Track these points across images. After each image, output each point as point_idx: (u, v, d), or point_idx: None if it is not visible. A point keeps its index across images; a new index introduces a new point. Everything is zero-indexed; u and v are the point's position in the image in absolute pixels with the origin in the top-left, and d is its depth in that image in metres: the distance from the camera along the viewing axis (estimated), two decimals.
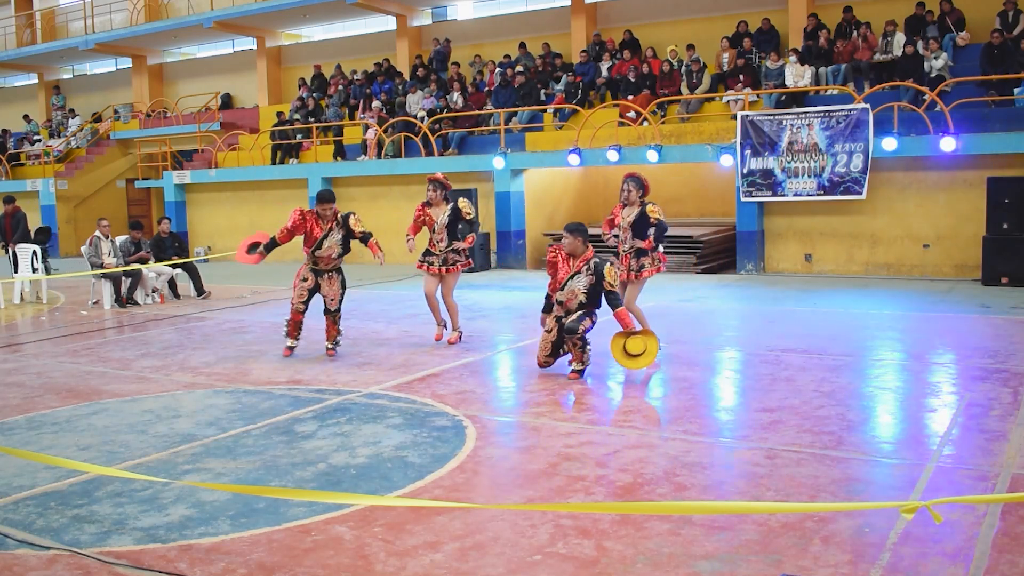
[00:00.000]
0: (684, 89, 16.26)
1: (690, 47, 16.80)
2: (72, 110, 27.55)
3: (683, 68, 16.47)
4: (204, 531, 4.09)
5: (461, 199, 8.56)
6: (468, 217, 8.53)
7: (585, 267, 7.05)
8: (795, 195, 13.81)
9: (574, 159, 15.33)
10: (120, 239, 13.13)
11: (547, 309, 7.32)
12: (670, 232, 15.03)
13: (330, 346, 8.33)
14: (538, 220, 16.97)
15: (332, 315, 8.25)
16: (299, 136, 20.15)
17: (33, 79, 29.98)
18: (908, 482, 4.57)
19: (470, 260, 8.79)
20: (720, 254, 15.45)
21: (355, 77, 21.34)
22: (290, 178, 19.58)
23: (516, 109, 17.41)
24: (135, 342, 9.56)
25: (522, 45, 19.77)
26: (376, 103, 19.50)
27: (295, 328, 8.29)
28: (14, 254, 13.85)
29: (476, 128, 18.00)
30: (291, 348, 8.33)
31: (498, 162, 16.19)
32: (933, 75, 13.88)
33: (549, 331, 7.26)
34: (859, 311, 10.28)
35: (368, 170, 18.37)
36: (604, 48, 18.43)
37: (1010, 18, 14.59)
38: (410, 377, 7.28)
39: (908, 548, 3.70)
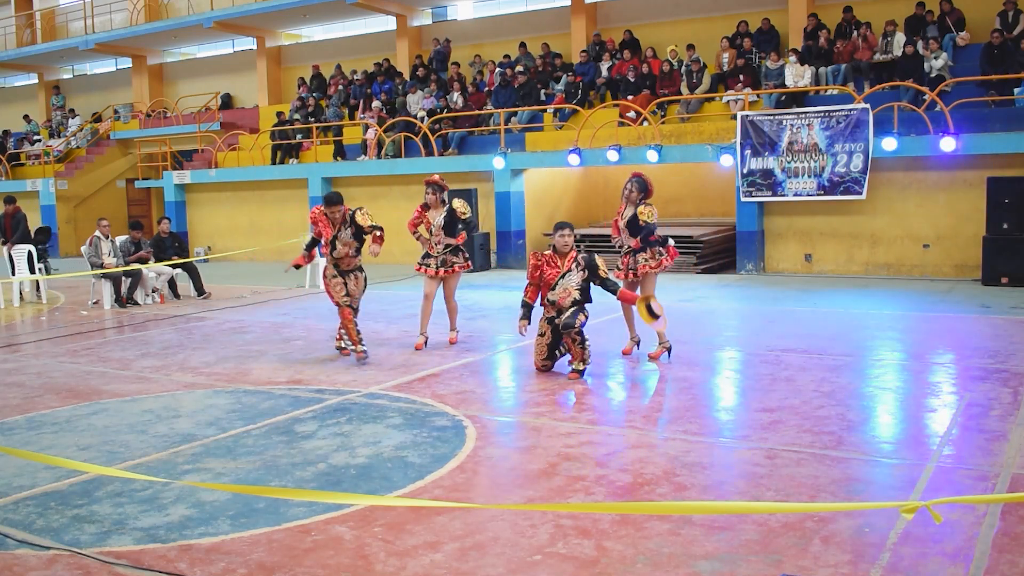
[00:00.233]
0: (684, 89, 16.26)
1: (690, 47, 16.80)
2: (72, 110, 27.55)
3: (683, 68, 16.47)
4: (204, 531, 4.09)
5: (456, 199, 8.54)
6: (463, 217, 8.50)
7: (575, 264, 7.14)
8: (795, 195, 13.80)
9: (574, 159, 15.33)
10: (120, 239, 13.13)
11: (528, 313, 7.35)
12: (670, 232, 15.12)
13: (342, 346, 8.25)
14: (538, 220, 16.97)
15: (355, 310, 8.11)
16: (299, 136, 20.16)
17: (33, 79, 29.98)
18: (908, 482, 4.56)
19: (469, 262, 8.71)
20: (720, 254, 15.45)
21: (355, 77, 21.34)
22: (290, 178, 19.58)
23: (516, 109, 17.41)
24: (135, 342, 9.56)
25: (522, 45, 19.77)
26: (376, 103, 19.50)
27: (351, 332, 7.91)
28: (10, 255, 13.85)
29: (476, 128, 18.00)
30: (364, 351, 7.93)
31: (498, 162, 16.19)
32: (933, 75, 13.88)
33: (542, 335, 7.26)
34: (859, 311, 10.28)
35: (368, 170, 18.37)
36: (604, 48, 18.43)
37: (1010, 18, 14.59)
38: (410, 377, 7.28)
39: (908, 548, 3.70)
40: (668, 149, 14.89)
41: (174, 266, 13.24)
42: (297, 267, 8.38)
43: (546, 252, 7.32)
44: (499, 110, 17.20)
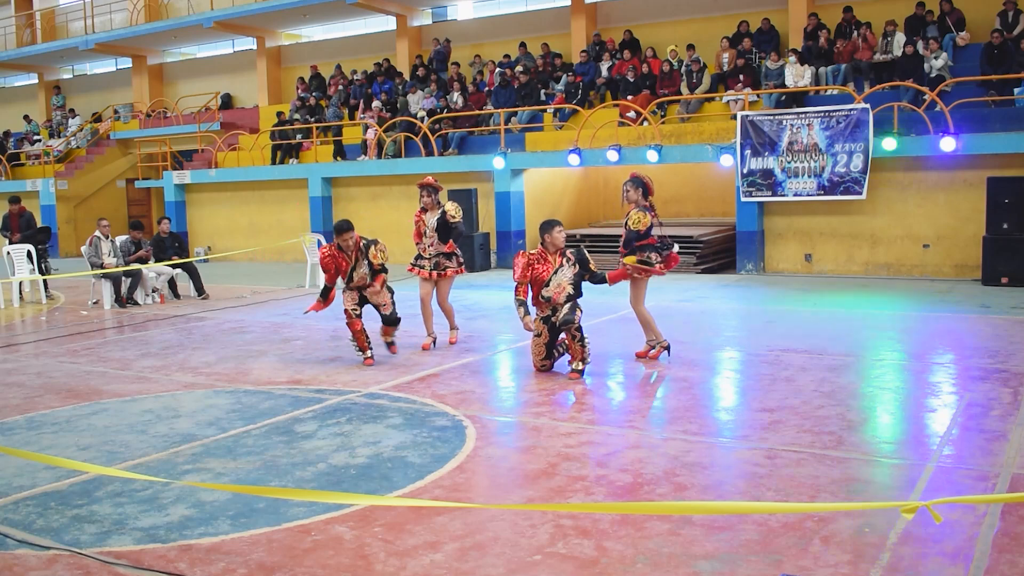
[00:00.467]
0: (684, 89, 16.26)
1: (690, 47, 16.81)
2: (72, 110, 27.55)
3: (683, 68, 16.48)
4: (204, 531, 4.09)
5: (450, 203, 8.42)
6: (452, 221, 8.34)
7: (565, 259, 7.17)
8: (795, 195, 13.80)
9: (574, 159, 15.33)
10: (120, 239, 13.13)
11: (528, 311, 7.31)
12: (670, 232, 15.09)
13: (391, 341, 8.16)
14: (538, 220, 16.84)
15: (389, 321, 7.97)
16: (299, 136, 20.16)
17: (33, 79, 29.98)
18: (908, 482, 4.56)
19: (462, 267, 8.59)
20: (720, 254, 15.45)
21: (355, 77, 21.35)
22: (290, 178, 19.59)
23: (516, 109, 17.41)
24: (135, 342, 9.56)
25: (522, 45, 19.77)
26: (376, 103, 19.51)
27: (361, 339, 7.87)
28: (9, 255, 13.86)
29: (476, 128, 18.00)
30: (371, 357, 7.89)
31: (498, 162, 16.19)
32: (933, 75, 13.89)
33: (539, 335, 7.26)
34: (859, 311, 10.28)
35: (368, 170, 18.38)
36: (604, 48, 18.43)
37: (1010, 18, 14.60)
38: (410, 377, 7.28)
39: (908, 548, 3.70)
40: (668, 149, 14.89)
41: (174, 266, 13.24)
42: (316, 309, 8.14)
43: (533, 251, 7.33)
44: (499, 110, 17.20)
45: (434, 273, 8.41)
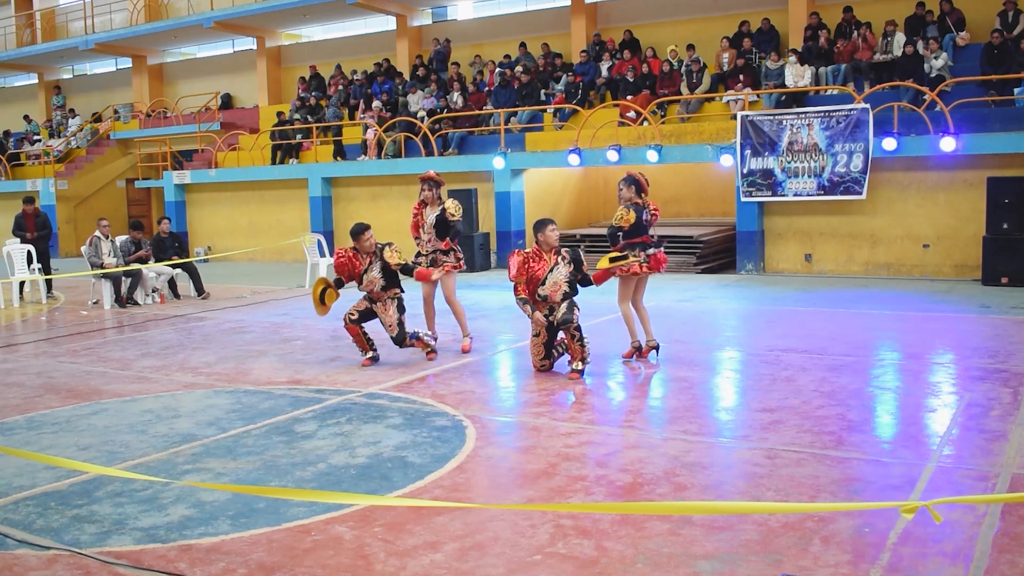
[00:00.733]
0: (684, 89, 16.26)
1: (690, 47, 16.81)
2: (72, 110, 27.55)
3: (683, 68, 16.48)
4: (204, 531, 4.09)
5: (450, 200, 8.31)
6: (451, 220, 8.24)
7: (561, 258, 7.19)
8: (795, 195, 13.81)
9: (574, 159, 15.33)
10: (120, 239, 13.14)
11: (534, 307, 7.29)
12: (670, 232, 15.17)
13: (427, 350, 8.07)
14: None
15: (397, 342, 7.80)
16: (299, 136, 20.16)
17: (33, 79, 29.98)
18: (908, 482, 4.56)
19: (462, 262, 8.44)
20: (720, 254, 15.45)
21: (355, 77, 21.35)
22: (290, 178, 19.59)
23: (516, 109, 17.41)
24: (135, 342, 9.56)
25: (522, 45, 19.77)
26: (376, 103, 19.51)
27: (360, 342, 7.84)
28: (9, 255, 13.86)
29: (476, 128, 18.00)
30: (370, 359, 7.84)
31: (498, 162, 16.19)
32: (933, 75, 13.89)
33: (537, 335, 7.27)
34: (859, 311, 10.28)
35: (368, 170, 18.38)
36: (604, 48, 18.43)
37: (1010, 18, 14.60)
38: (410, 377, 7.28)
39: (908, 548, 3.70)
40: (668, 149, 14.89)
41: (174, 266, 13.25)
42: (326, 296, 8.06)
43: (527, 250, 7.33)
44: (499, 110, 17.21)
45: (431, 270, 8.32)
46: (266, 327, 10.24)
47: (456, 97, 18.58)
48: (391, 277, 7.79)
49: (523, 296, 7.29)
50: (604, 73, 17.80)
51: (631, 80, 16.69)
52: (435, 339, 8.45)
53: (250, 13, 22.64)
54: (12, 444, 5.63)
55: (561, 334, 7.24)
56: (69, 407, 6.63)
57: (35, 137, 27.01)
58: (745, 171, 14.10)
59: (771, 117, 13.96)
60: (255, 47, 24.89)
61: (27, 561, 3.82)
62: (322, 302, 7.96)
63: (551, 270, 7.18)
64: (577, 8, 19.75)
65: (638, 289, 7.70)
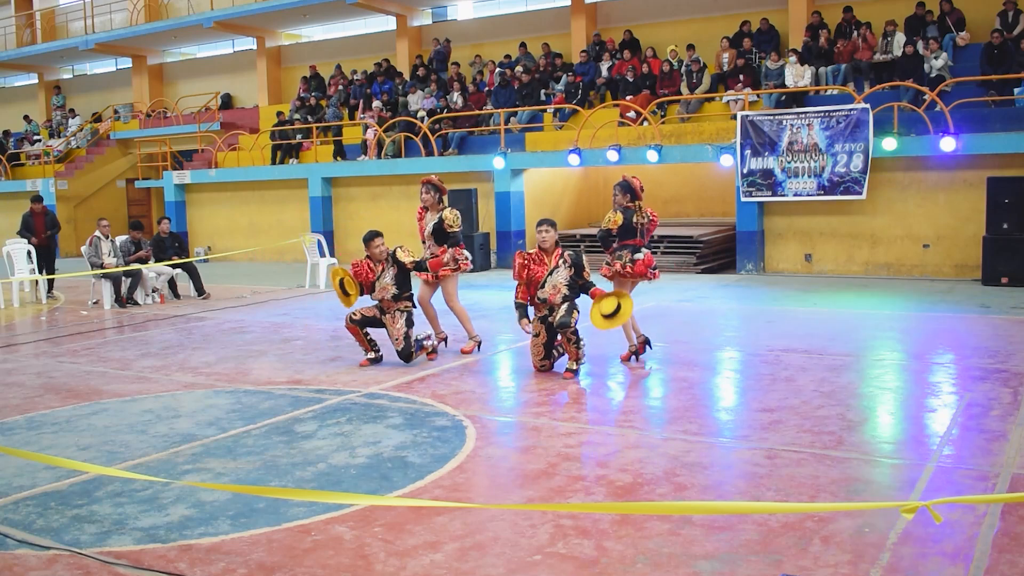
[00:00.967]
0: (684, 89, 16.26)
1: (690, 47, 16.81)
2: (72, 110, 27.55)
3: (683, 68, 16.48)
4: (204, 531, 4.09)
5: (448, 210, 8.16)
6: (449, 230, 8.12)
7: (562, 261, 7.18)
8: (795, 195, 13.81)
9: (574, 159, 15.33)
10: (120, 239, 13.13)
11: (524, 313, 7.33)
12: (670, 232, 15.18)
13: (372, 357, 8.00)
14: (538, 220, 16.95)
15: (402, 357, 7.71)
16: (299, 136, 20.16)
17: (33, 79, 29.98)
18: (908, 482, 4.56)
19: (463, 264, 8.20)
20: (720, 254, 15.45)
21: (355, 77, 21.35)
22: (290, 178, 19.59)
23: (516, 109, 17.41)
24: (135, 342, 9.56)
25: (522, 45, 19.78)
26: (376, 103, 19.51)
27: (362, 341, 7.81)
28: (8, 254, 13.85)
29: (476, 128, 18.00)
30: (369, 359, 7.82)
31: (498, 162, 16.19)
32: (933, 75, 13.89)
33: (537, 335, 7.27)
34: (859, 311, 10.28)
35: (368, 170, 18.38)
36: (604, 48, 18.43)
37: (1010, 18, 14.60)
38: (410, 377, 7.28)
39: (908, 548, 3.70)
40: (668, 149, 14.89)
41: (174, 266, 13.25)
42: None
43: (530, 251, 7.34)
44: (499, 110, 17.21)
45: (430, 275, 8.27)
46: (266, 327, 10.23)
47: (456, 97, 18.58)
48: (403, 286, 7.72)
49: (520, 300, 7.32)
50: (604, 73, 17.80)
51: (631, 80, 16.69)
52: (445, 338, 8.37)
53: (250, 13, 22.64)
54: (12, 444, 5.63)
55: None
56: (69, 407, 6.63)
57: (35, 137, 27.01)
58: (745, 171, 14.10)
59: (771, 117, 13.96)
60: (255, 47, 24.89)
61: (27, 561, 3.82)
62: (345, 293, 7.87)
63: (550, 273, 7.18)
64: (577, 8, 19.75)
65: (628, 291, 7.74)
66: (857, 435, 5.37)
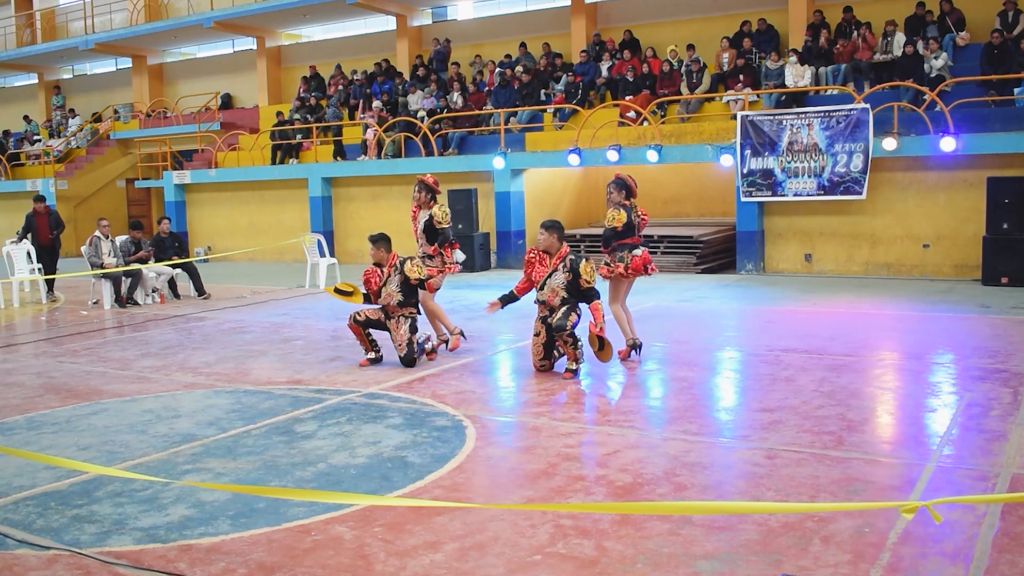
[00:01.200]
0: (684, 89, 16.26)
1: (690, 47, 16.81)
2: (72, 110, 27.55)
3: (683, 68, 16.48)
4: (204, 531, 4.09)
5: (437, 207, 8.17)
6: (439, 226, 8.13)
7: (562, 264, 7.17)
8: (795, 195, 13.81)
9: (574, 159, 15.33)
10: (120, 239, 13.13)
11: (505, 299, 7.39)
12: (670, 232, 15.17)
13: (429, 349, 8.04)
14: (538, 220, 16.72)
15: (405, 362, 7.66)
16: (299, 136, 20.16)
17: (33, 79, 29.98)
18: (908, 482, 4.56)
19: (449, 268, 8.22)
20: (720, 254, 15.45)
21: (355, 77, 21.35)
22: (290, 178, 19.59)
23: (516, 109, 17.41)
24: (135, 342, 9.56)
25: (522, 45, 19.78)
26: (376, 103, 19.51)
27: (363, 341, 7.81)
28: (8, 254, 13.84)
29: (476, 128, 18.00)
30: (369, 360, 7.82)
31: (498, 162, 16.19)
32: (933, 75, 13.89)
33: (537, 335, 7.29)
34: (859, 311, 10.28)
35: (368, 170, 18.38)
36: (604, 48, 18.43)
37: (1010, 18, 14.60)
38: (410, 377, 7.28)
39: (908, 548, 3.70)
40: (668, 149, 14.89)
41: (174, 266, 13.25)
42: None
43: (536, 250, 7.36)
44: (499, 110, 17.21)
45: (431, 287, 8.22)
46: (266, 327, 10.23)
47: (456, 97, 18.58)
48: (408, 294, 7.69)
49: (513, 291, 7.42)
50: (604, 73, 17.80)
51: (631, 80, 16.69)
52: (446, 340, 8.30)
53: (250, 13, 22.64)
54: (12, 444, 5.63)
55: None
56: (69, 407, 6.63)
57: (35, 137, 27.01)
58: (745, 171, 14.10)
59: (771, 117, 13.96)
60: (255, 47, 24.89)
61: (27, 561, 3.82)
62: (345, 293, 7.88)
63: (549, 275, 7.18)
64: (577, 8, 19.75)
65: (623, 290, 7.78)
66: (857, 435, 5.37)
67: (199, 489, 4.60)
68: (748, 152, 14.06)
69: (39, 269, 14.01)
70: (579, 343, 7.11)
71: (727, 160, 14.22)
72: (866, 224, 13.77)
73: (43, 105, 29.26)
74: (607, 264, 7.65)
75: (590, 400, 6.60)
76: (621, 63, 17.54)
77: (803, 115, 13.74)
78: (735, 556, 3.66)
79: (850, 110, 13.27)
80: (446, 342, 8.35)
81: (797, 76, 15.04)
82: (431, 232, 8.19)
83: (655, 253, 14.44)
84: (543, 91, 17.87)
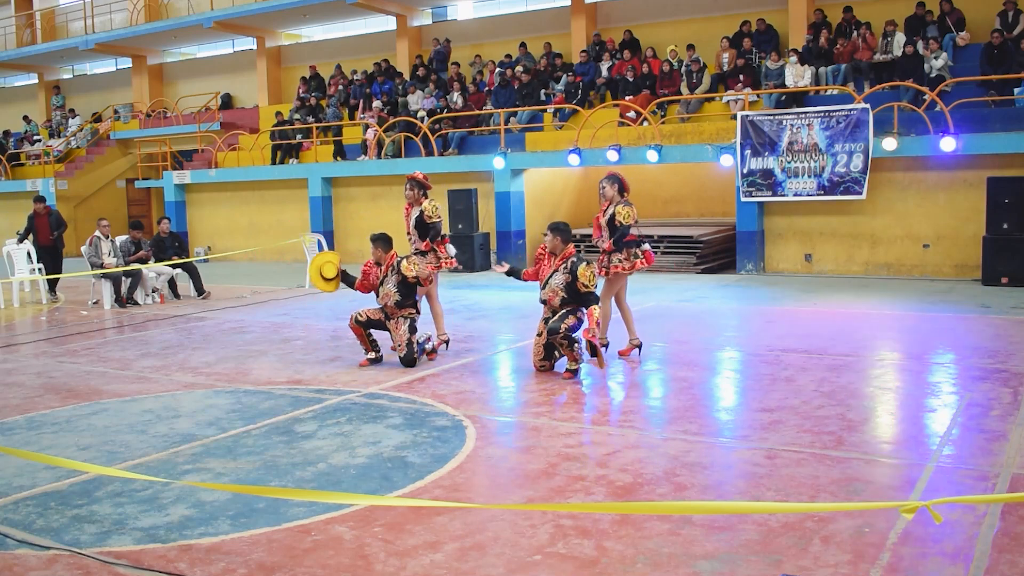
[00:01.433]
0: (684, 89, 16.26)
1: (690, 47, 16.81)
2: (72, 110, 27.54)
3: (683, 68, 16.48)
4: (204, 531, 4.09)
5: (427, 202, 8.14)
6: (429, 221, 8.12)
7: (563, 266, 7.17)
8: (795, 195, 13.80)
9: (574, 159, 15.33)
10: (120, 239, 13.13)
11: (512, 271, 7.54)
12: (670, 232, 15.17)
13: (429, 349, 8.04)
14: (538, 220, 16.97)
15: (405, 363, 7.65)
16: (299, 136, 20.16)
17: (33, 79, 29.98)
18: (908, 482, 4.56)
19: (445, 262, 8.19)
20: (720, 254, 15.45)
21: (355, 77, 21.35)
22: (290, 178, 19.59)
23: (516, 109, 17.41)
24: (135, 342, 9.56)
25: (522, 45, 19.77)
26: (376, 103, 19.51)
27: (364, 341, 7.82)
28: (8, 254, 13.84)
29: (476, 128, 18.00)
30: (369, 360, 7.83)
31: (498, 162, 16.19)
32: (933, 75, 13.89)
33: (539, 334, 7.31)
34: (859, 311, 10.28)
35: (368, 170, 18.38)
36: (604, 48, 18.43)
37: (1010, 18, 14.60)
38: (410, 377, 7.28)
39: (908, 548, 3.70)
40: (668, 149, 14.89)
41: (174, 266, 13.24)
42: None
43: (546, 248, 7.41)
44: (499, 110, 17.20)
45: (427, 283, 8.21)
46: (266, 327, 10.23)
47: (456, 97, 18.58)
48: (406, 294, 7.68)
49: (522, 270, 7.61)
50: (604, 73, 17.79)
51: (631, 80, 16.69)
52: (447, 340, 8.30)
53: (250, 13, 22.64)
54: (12, 444, 5.63)
55: None
56: (69, 407, 6.63)
57: (35, 137, 27.01)
58: (745, 171, 14.10)
59: (771, 117, 13.95)
60: (255, 47, 24.88)
61: (27, 561, 3.82)
62: (326, 279, 7.89)
63: (551, 275, 7.21)
64: (577, 8, 19.74)
65: (622, 287, 7.80)
66: (857, 435, 5.37)
67: (199, 489, 4.60)
68: (748, 152, 14.06)
69: (40, 269, 14.00)
70: (576, 345, 7.11)
71: (727, 160, 14.22)
72: (866, 224, 13.77)
73: (43, 105, 29.25)
74: (620, 262, 7.62)
75: (590, 400, 6.60)
76: (621, 63, 17.54)
77: (803, 115, 13.74)
78: (735, 556, 3.66)
79: (850, 110, 13.27)
80: (447, 342, 8.35)
81: (797, 76, 15.04)
82: (423, 227, 8.19)
83: (655, 252, 14.44)
84: (543, 91, 17.87)
